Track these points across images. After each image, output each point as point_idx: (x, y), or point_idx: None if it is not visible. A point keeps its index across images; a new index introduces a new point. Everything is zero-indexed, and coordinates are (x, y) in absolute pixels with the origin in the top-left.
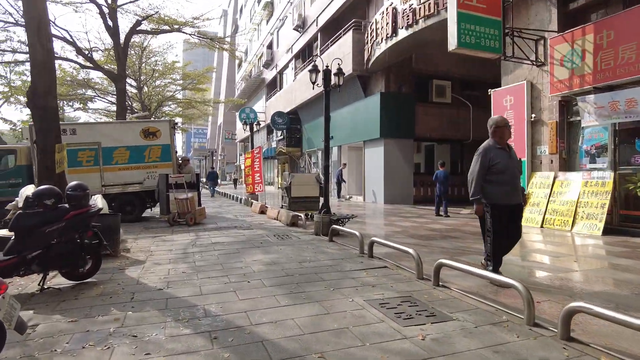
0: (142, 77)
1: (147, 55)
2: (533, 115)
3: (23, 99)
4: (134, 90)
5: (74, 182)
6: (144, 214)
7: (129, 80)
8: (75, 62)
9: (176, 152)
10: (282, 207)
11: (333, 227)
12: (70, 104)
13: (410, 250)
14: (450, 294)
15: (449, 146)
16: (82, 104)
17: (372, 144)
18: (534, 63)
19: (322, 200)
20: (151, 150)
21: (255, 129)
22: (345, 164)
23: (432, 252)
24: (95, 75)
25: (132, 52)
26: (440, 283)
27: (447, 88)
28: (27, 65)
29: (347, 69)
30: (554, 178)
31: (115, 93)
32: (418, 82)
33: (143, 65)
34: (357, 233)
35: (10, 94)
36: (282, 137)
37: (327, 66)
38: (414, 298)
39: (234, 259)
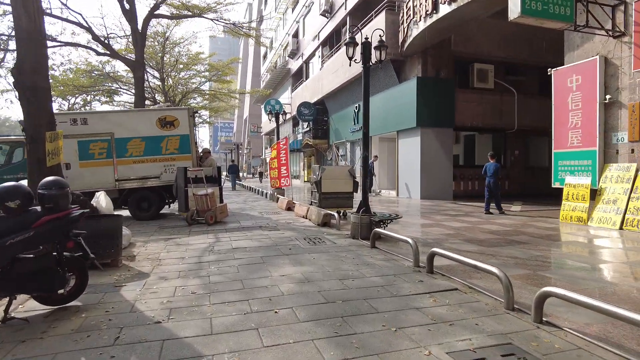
0: (165, 68)
1: (170, 46)
2: (608, 97)
3: None
4: (157, 82)
5: (49, 178)
6: (162, 210)
7: (151, 71)
8: (90, 48)
9: (196, 143)
10: (311, 204)
11: (375, 230)
12: (98, 98)
13: (495, 271)
14: (567, 339)
15: (491, 136)
16: (108, 97)
17: (407, 134)
18: (611, 34)
19: (355, 196)
20: (169, 141)
21: (280, 121)
22: (376, 156)
23: (504, 264)
24: (121, 68)
25: (155, 42)
26: (544, 319)
27: (489, 72)
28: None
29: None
30: (637, 171)
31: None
32: (458, 66)
33: (166, 56)
34: (409, 240)
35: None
36: (308, 128)
37: (366, 38)
38: (517, 347)
39: (258, 273)
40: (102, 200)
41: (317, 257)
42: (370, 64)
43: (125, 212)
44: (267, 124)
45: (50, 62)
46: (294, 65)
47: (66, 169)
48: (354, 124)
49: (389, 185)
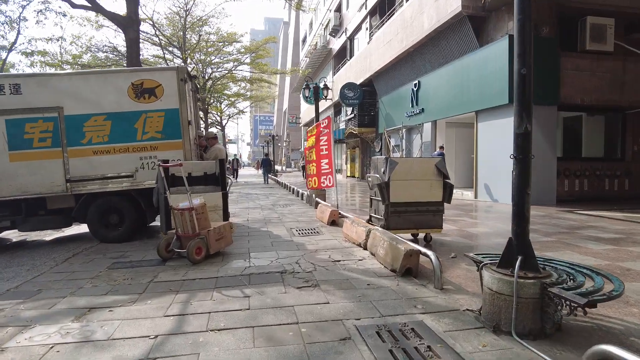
0: (189, 47)
1: (194, 22)
2: None
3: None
4: (179, 62)
5: None
6: (142, 225)
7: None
8: None
9: (193, 123)
10: (370, 220)
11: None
12: None
13: None
14: None
15: (603, 118)
16: None
17: (492, 114)
18: None
19: (446, 208)
20: (148, 119)
21: (320, 108)
22: (442, 147)
23: None
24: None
25: (177, 16)
26: None
27: (607, 29)
28: None
29: (452, 7)
30: None
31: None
32: (563, 21)
33: (190, 34)
34: None
35: None
36: (352, 115)
37: None
38: None
39: None
40: None
41: None
42: None
43: (84, 229)
44: (306, 113)
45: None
46: (336, 44)
47: None
48: (412, 105)
49: (463, 184)
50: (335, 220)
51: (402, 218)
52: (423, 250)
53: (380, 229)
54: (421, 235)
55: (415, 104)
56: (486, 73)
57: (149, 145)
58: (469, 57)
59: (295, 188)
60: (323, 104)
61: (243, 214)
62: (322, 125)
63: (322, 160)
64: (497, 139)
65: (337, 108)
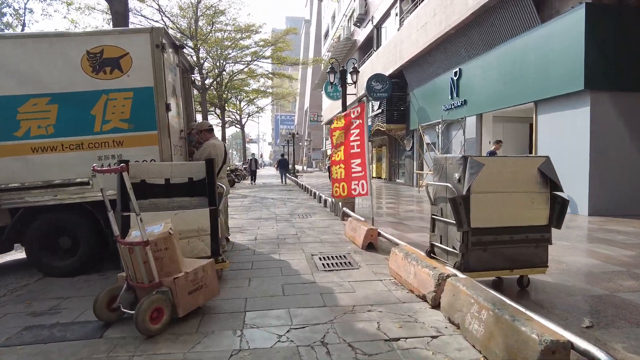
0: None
1: (209, 9)
2: None
3: None
4: (190, 51)
5: None
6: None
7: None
8: None
9: (169, 106)
10: (431, 253)
11: None
12: None
13: None
14: None
15: None
16: None
17: (557, 104)
18: None
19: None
20: (110, 102)
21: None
22: (499, 142)
23: None
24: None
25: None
26: None
27: None
28: None
29: None
30: None
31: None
32: None
33: (200, 18)
34: None
35: None
36: (379, 110)
37: None
38: None
39: None
40: None
41: None
42: None
43: (22, 256)
44: (328, 111)
45: None
46: (361, 35)
47: None
48: (452, 97)
49: None
50: (373, 244)
51: (489, 253)
52: (579, 342)
53: (461, 276)
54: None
55: (455, 95)
56: (551, 54)
57: (111, 139)
58: (527, 35)
59: (317, 192)
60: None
61: (252, 227)
62: (353, 115)
63: (352, 161)
64: (565, 134)
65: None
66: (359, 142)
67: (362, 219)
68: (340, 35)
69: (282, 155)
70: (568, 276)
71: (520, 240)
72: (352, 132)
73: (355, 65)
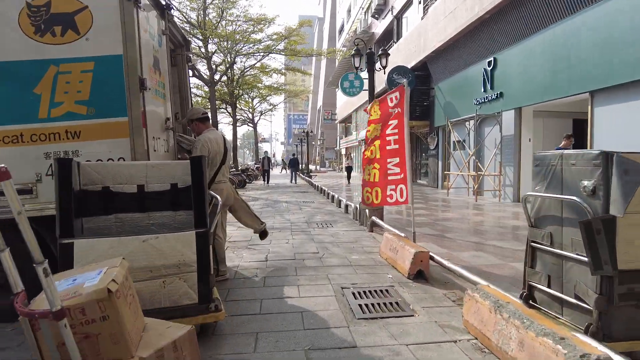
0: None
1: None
2: None
3: None
4: (198, 43)
5: None
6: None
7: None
8: None
9: (144, 83)
10: (529, 297)
11: None
12: None
13: None
14: None
15: None
16: None
17: (622, 94)
18: None
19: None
20: (61, 77)
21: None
22: (570, 137)
23: None
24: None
25: None
26: None
27: None
28: None
29: None
30: None
31: None
32: None
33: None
34: None
35: None
36: None
37: None
38: None
39: None
40: None
41: None
42: None
43: None
44: (342, 108)
45: None
46: (379, 27)
47: None
48: (485, 90)
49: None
50: (424, 272)
51: None
52: None
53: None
54: None
55: (489, 88)
56: (613, 35)
57: (63, 129)
58: (584, 14)
59: (336, 195)
60: (361, 96)
61: (263, 243)
62: (390, 102)
63: (389, 160)
64: (630, 130)
65: None
66: (397, 137)
67: (402, 235)
68: (356, 28)
69: (294, 155)
70: None
71: None
72: (390, 122)
73: (385, 47)
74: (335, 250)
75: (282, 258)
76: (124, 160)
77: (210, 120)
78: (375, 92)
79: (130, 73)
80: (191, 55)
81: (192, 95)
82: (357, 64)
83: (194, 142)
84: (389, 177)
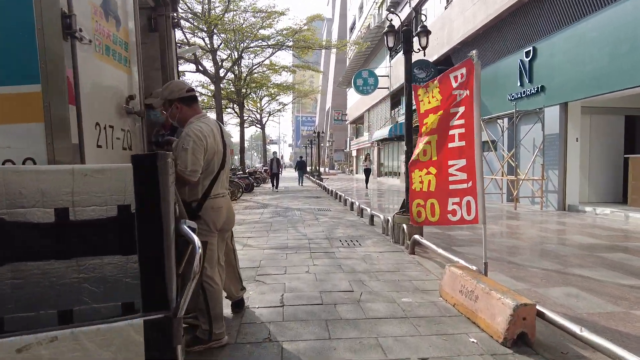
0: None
1: None
2: None
3: None
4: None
5: None
6: None
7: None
8: None
9: (81, 33)
10: None
11: None
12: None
13: None
14: None
15: None
16: None
17: None
18: None
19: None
20: None
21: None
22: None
23: None
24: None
25: None
26: None
27: None
28: None
29: None
30: None
31: None
32: None
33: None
34: None
35: None
36: None
37: None
38: None
39: None
40: None
41: None
42: None
43: None
44: (353, 108)
45: None
46: (395, 21)
47: None
48: (522, 84)
49: (611, 197)
50: (527, 334)
51: None
52: None
53: None
54: None
55: (528, 81)
56: None
57: None
58: None
59: (356, 203)
60: (374, 95)
61: (275, 269)
62: (455, 82)
63: (452, 163)
64: None
65: (394, 99)
66: (463, 130)
67: (473, 268)
68: (369, 24)
69: (301, 157)
70: None
71: None
72: (453, 110)
73: (424, 21)
74: (375, 286)
75: (304, 301)
76: (34, 163)
77: (199, 102)
78: (393, 89)
79: (45, 11)
80: (177, 17)
81: (197, 94)
82: (390, 44)
83: (181, 135)
84: (451, 187)
